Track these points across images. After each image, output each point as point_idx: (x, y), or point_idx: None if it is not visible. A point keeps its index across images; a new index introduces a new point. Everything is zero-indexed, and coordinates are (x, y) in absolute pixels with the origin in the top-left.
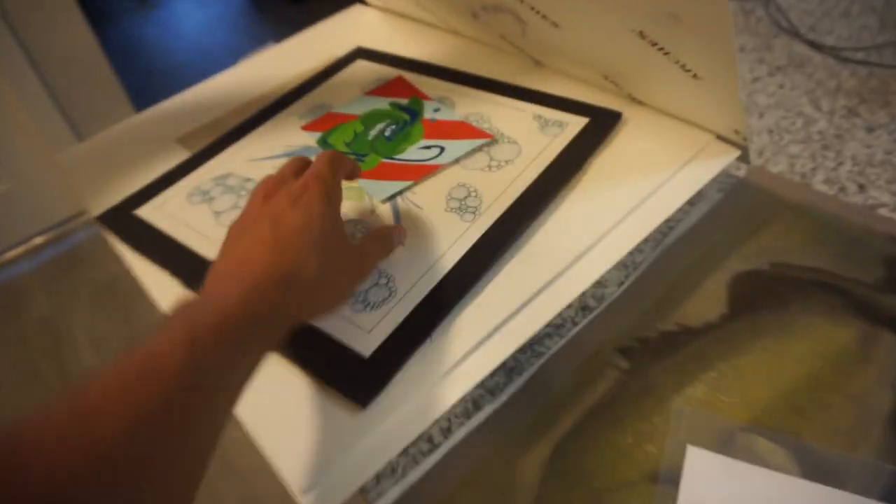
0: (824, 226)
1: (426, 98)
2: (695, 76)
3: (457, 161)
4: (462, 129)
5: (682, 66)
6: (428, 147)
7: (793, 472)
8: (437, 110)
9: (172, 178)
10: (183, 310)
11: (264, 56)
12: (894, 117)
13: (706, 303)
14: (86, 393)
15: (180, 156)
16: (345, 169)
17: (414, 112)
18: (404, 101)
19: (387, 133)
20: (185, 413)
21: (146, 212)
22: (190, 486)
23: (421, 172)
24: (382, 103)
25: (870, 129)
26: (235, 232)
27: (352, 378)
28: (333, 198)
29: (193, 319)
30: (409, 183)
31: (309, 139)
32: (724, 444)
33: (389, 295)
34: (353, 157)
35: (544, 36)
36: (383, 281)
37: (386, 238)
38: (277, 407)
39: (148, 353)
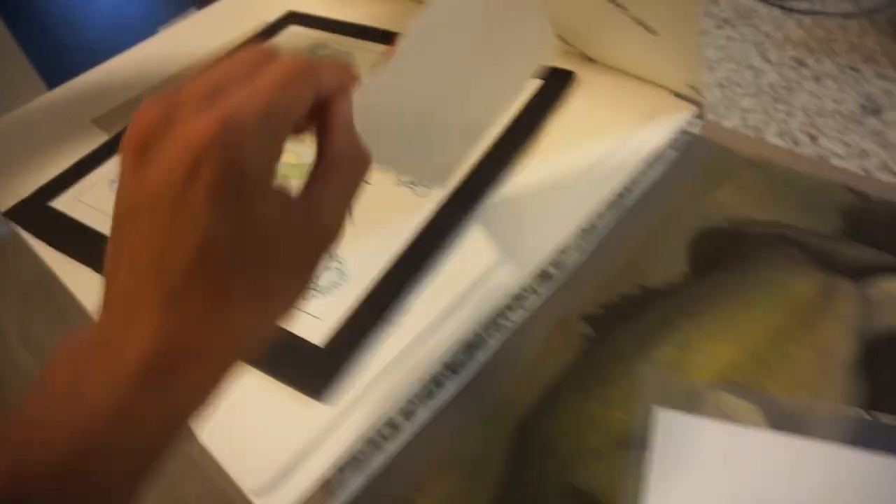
0: (780, 179)
1: None
2: (652, 32)
3: None
4: None
5: (640, 22)
6: None
7: (761, 425)
8: None
9: (90, 163)
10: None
11: (186, 24)
12: (840, 66)
13: (668, 264)
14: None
15: (98, 138)
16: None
17: None
18: None
19: None
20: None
21: (63, 203)
22: None
23: None
24: None
25: (817, 79)
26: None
27: (304, 370)
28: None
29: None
30: None
31: None
32: (693, 404)
33: (341, 279)
34: None
35: None
36: (334, 264)
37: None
38: (226, 407)
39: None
